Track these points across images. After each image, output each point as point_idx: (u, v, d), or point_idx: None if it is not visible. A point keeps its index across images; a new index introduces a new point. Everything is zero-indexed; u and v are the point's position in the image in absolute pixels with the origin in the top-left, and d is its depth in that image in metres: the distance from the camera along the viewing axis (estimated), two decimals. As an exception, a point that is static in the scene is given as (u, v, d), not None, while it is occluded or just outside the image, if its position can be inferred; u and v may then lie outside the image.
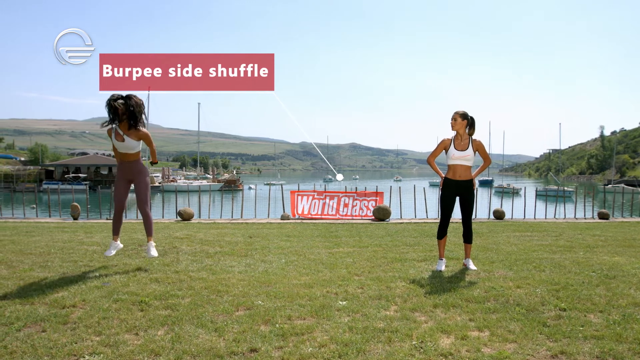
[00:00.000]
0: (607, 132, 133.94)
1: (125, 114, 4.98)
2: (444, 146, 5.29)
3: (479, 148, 5.26)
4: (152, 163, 5.73)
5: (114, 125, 5.09)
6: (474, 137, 5.26)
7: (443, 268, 5.22)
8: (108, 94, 5.05)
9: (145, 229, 5.42)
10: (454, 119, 5.20)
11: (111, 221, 5.45)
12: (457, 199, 5.34)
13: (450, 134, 5.30)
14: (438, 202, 5.57)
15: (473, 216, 14.18)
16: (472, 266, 5.30)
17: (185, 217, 11.99)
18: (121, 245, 5.51)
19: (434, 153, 5.48)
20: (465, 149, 5.19)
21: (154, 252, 5.38)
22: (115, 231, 5.39)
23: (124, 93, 5.05)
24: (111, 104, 4.93)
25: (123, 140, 5.09)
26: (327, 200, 12.91)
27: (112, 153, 5.78)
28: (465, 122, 5.19)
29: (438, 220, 5.70)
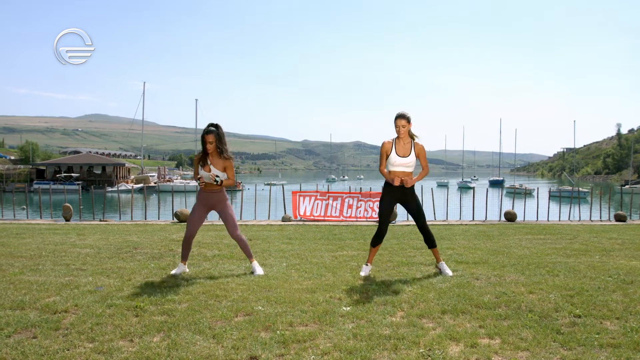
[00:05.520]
0: (624, 130, 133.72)
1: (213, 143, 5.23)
2: (386, 151, 5.15)
3: (420, 154, 5.17)
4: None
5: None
6: (416, 140, 5.16)
7: (367, 273, 5.18)
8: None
9: (244, 252, 5.54)
10: (402, 125, 5.03)
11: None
12: (403, 206, 5.31)
13: (393, 135, 5.18)
14: (379, 206, 5.41)
15: (483, 218, 14.13)
16: (448, 271, 5.23)
17: (182, 218, 12.01)
18: (187, 270, 5.44)
19: (382, 162, 5.26)
20: (407, 155, 5.11)
21: (259, 270, 5.36)
22: (184, 257, 5.42)
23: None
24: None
25: (209, 171, 5.26)
26: (330, 201, 12.90)
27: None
28: (410, 125, 5.08)
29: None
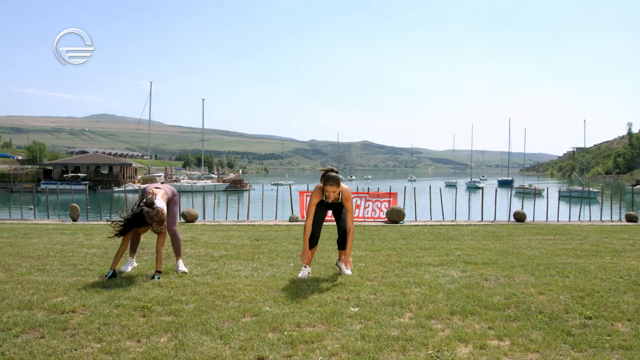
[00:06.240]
0: (635, 129, 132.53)
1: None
2: (318, 199, 5.26)
3: (346, 200, 5.25)
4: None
5: None
6: (342, 186, 5.26)
7: (304, 275, 5.13)
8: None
9: (173, 249, 5.52)
10: (332, 191, 5.15)
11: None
12: (330, 211, 5.48)
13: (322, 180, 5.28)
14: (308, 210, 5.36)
15: (492, 218, 14.04)
16: (346, 271, 5.27)
17: (189, 218, 12.06)
18: (136, 264, 5.59)
19: (309, 215, 5.26)
20: (335, 201, 5.33)
21: (183, 268, 5.39)
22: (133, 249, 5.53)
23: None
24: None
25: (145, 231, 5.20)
26: (338, 202, 12.88)
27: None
28: (340, 186, 5.21)
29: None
